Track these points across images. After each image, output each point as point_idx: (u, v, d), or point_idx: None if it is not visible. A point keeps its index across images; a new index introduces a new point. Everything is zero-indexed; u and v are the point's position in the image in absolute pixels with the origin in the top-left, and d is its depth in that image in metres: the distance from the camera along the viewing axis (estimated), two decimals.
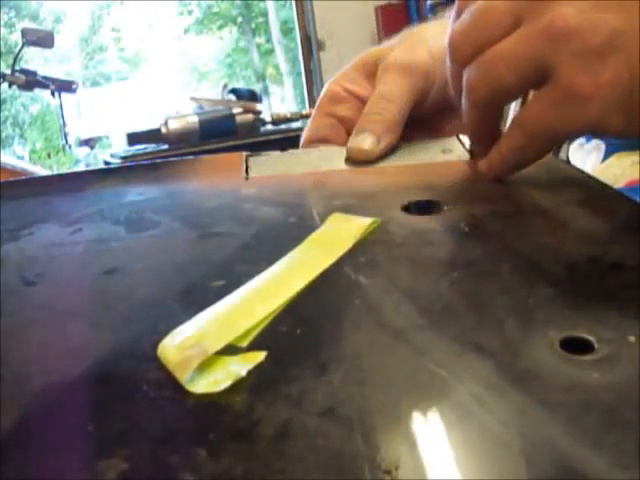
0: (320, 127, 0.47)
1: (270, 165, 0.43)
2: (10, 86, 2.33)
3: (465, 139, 0.42)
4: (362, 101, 0.45)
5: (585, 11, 0.30)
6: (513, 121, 0.34)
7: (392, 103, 0.42)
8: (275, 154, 0.44)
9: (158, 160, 0.48)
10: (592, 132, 0.33)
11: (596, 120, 0.31)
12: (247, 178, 0.40)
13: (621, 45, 0.30)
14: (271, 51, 6.06)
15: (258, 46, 6.18)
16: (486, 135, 0.37)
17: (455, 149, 0.41)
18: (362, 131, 0.42)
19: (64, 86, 2.43)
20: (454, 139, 0.42)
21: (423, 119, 0.45)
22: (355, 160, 0.41)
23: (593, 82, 0.30)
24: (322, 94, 0.48)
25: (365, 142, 0.41)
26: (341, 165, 0.41)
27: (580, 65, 0.30)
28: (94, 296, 0.26)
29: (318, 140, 0.47)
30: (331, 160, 0.42)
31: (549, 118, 0.32)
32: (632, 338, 0.20)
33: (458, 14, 0.35)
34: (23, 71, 2.34)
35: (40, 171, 2.39)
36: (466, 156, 0.40)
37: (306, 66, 3.50)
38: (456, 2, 0.35)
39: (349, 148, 0.42)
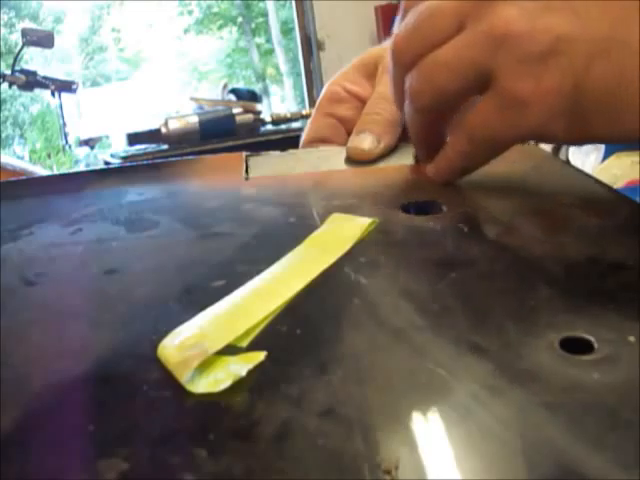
0: (320, 127, 0.47)
1: (270, 165, 0.43)
2: (10, 86, 2.33)
3: None
4: (362, 101, 0.45)
5: (529, 14, 0.29)
6: (458, 126, 0.33)
7: (392, 103, 0.42)
8: (275, 154, 0.45)
9: (158, 160, 0.48)
10: (536, 138, 0.32)
11: (539, 126, 0.30)
12: (247, 178, 0.40)
13: (564, 50, 0.29)
14: (271, 51, 6.06)
15: (258, 46, 6.18)
16: (431, 140, 0.36)
17: None
18: (362, 131, 0.42)
19: (64, 86, 2.43)
20: None
21: None
22: (355, 160, 0.41)
23: (535, 88, 0.29)
24: (322, 94, 0.48)
25: (365, 142, 0.41)
26: (341, 165, 0.41)
27: (521, 71, 0.29)
28: (94, 296, 0.26)
29: (318, 140, 0.47)
30: (331, 160, 0.42)
31: (492, 124, 0.31)
32: (632, 338, 0.20)
33: (403, 15, 0.34)
34: (23, 71, 2.34)
35: (40, 171, 2.39)
36: None
37: (306, 66, 3.50)
38: (402, 2, 0.35)
39: (349, 148, 0.42)
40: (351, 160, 0.41)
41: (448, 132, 0.34)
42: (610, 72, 0.29)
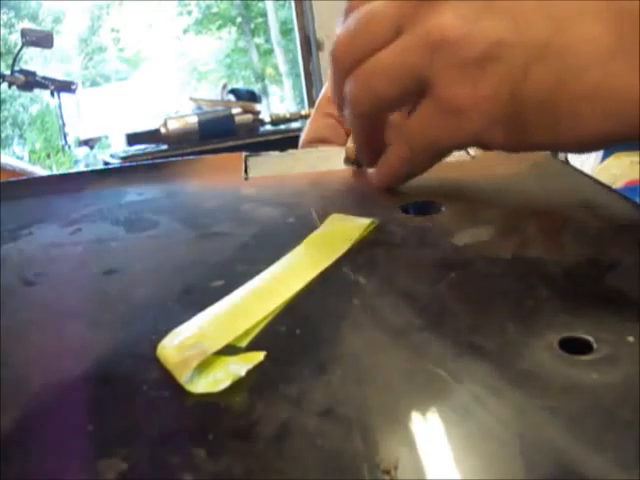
0: (319, 127, 0.47)
1: (269, 165, 0.43)
2: (10, 86, 2.32)
3: None
4: None
5: (467, 19, 0.29)
6: (399, 132, 0.33)
7: None
8: (274, 154, 0.45)
9: (158, 160, 0.48)
10: (476, 145, 0.32)
11: (476, 133, 0.30)
12: (246, 178, 0.40)
13: (501, 56, 0.28)
14: (270, 51, 6.06)
15: (257, 46, 6.18)
16: (373, 145, 0.36)
17: None
18: None
19: (63, 86, 2.43)
20: None
21: None
22: (354, 160, 0.41)
23: (471, 94, 0.29)
24: (321, 94, 0.48)
25: None
26: (340, 165, 0.41)
27: (458, 77, 0.29)
28: (94, 296, 0.26)
29: (317, 140, 0.47)
30: (330, 160, 0.42)
31: (430, 131, 0.31)
32: (631, 338, 0.20)
33: (347, 14, 0.33)
34: (23, 71, 2.34)
35: (39, 171, 2.39)
36: (465, 156, 0.40)
37: (305, 66, 3.49)
38: (346, 3, 0.34)
39: (348, 148, 0.42)
40: (350, 160, 0.41)
41: (390, 137, 0.34)
42: (548, 79, 0.28)
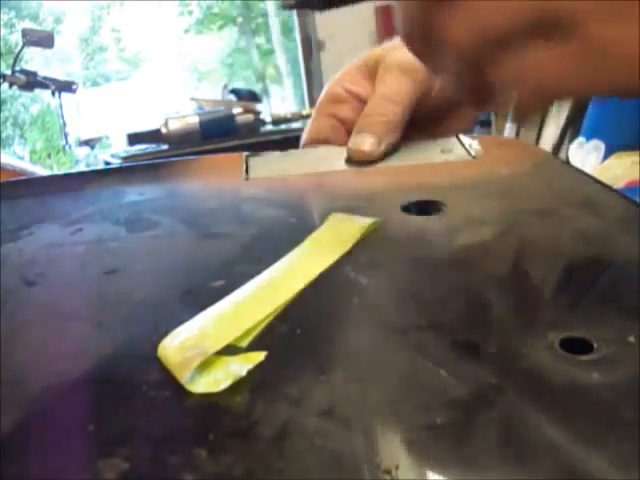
0: (321, 128, 0.47)
1: (270, 165, 0.43)
2: (10, 86, 2.33)
3: (465, 139, 0.42)
4: (363, 102, 0.45)
5: None
6: (519, 75, 0.25)
7: (393, 104, 0.42)
8: (275, 154, 0.45)
9: (158, 160, 0.48)
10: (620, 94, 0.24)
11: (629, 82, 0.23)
12: (247, 178, 0.40)
13: None
14: (271, 51, 6.05)
15: (258, 46, 6.18)
16: (478, 93, 0.27)
17: (454, 149, 0.41)
18: (362, 132, 0.42)
19: (64, 86, 2.43)
20: (453, 139, 0.42)
21: (423, 119, 0.45)
22: (355, 161, 0.41)
23: (629, 36, 0.22)
24: (322, 94, 0.48)
25: (365, 143, 0.41)
26: (341, 165, 0.41)
27: (611, 14, 0.22)
28: (94, 296, 0.26)
29: (318, 141, 0.47)
30: (331, 160, 0.42)
31: (568, 76, 0.24)
32: (631, 338, 0.20)
33: None
34: (23, 71, 2.34)
35: (40, 171, 2.39)
36: (465, 156, 0.40)
37: (306, 66, 3.50)
38: None
39: (349, 149, 0.42)
40: (351, 160, 0.41)
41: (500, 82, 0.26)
42: None
